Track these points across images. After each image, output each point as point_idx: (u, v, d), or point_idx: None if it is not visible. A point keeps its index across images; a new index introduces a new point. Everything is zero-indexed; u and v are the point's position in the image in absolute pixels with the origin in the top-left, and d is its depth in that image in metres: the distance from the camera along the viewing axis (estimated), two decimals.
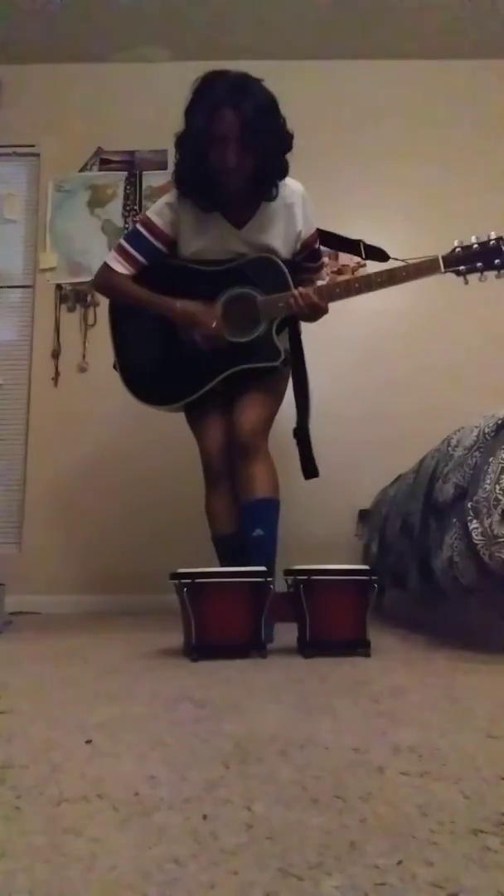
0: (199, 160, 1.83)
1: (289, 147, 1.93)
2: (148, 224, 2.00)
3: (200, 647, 1.39)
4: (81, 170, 3.48)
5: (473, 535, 1.43)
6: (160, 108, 3.59)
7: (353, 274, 3.38)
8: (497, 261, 1.91)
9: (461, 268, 1.94)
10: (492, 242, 1.91)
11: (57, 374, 3.28)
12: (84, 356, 3.28)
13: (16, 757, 0.72)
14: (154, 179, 3.46)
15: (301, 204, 1.98)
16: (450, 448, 1.75)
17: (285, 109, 3.66)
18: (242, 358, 1.93)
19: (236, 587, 1.44)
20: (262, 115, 1.79)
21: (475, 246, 1.93)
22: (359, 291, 1.94)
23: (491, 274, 1.92)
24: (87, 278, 3.34)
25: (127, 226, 3.40)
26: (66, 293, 3.35)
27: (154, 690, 1.08)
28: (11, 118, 3.50)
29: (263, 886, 0.42)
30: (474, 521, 1.44)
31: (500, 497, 1.41)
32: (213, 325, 1.88)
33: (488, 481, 1.45)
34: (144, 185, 3.46)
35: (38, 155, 3.51)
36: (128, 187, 3.45)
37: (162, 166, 3.47)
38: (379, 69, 3.56)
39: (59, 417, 3.24)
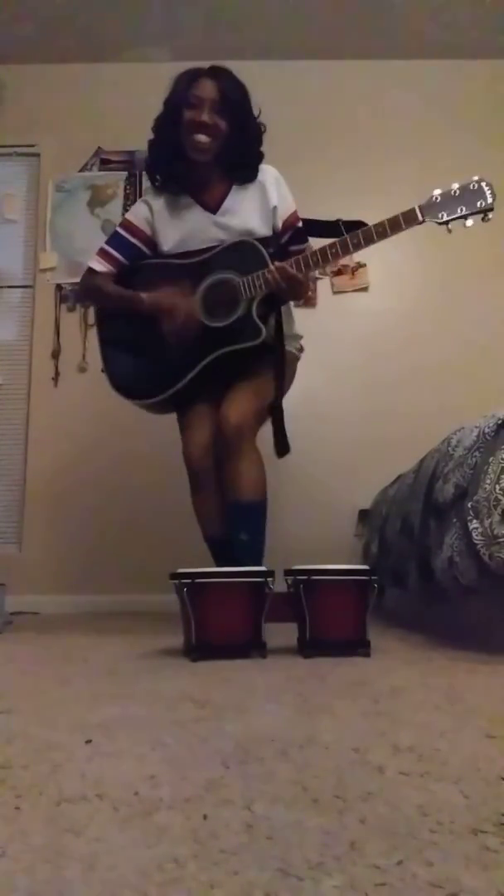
0: (173, 130, 1.92)
1: (260, 135, 1.98)
2: (125, 223, 2.06)
3: (200, 647, 1.39)
4: (81, 170, 3.48)
5: (473, 535, 1.43)
6: (160, 108, 3.61)
7: (353, 274, 3.39)
8: (480, 202, 1.77)
9: (442, 215, 1.81)
10: (473, 185, 1.78)
11: (57, 374, 3.28)
12: (84, 356, 3.28)
13: (16, 757, 0.72)
14: None
15: (274, 182, 2.00)
16: (450, 448, 1.75)
17: (285, 109, 3.65)
18: (225, 343, 1.90)
19: (236, 587, 1.43)
20: (237, 90, 1.92)
21: (455, 191, 1.80)
22: (336, 256, 1.87)
23: (477, 219, 1.79)
24: None
25: None
26: (66, 293, 3.35)
27: (154, 690, 1.08)
28: (11, 118, 3.51)
29: (263, 886, 0.42)
30: (474, 521, 1.44)
31: (500, 497, 1.41)
32: (183, 312, 1.89)
33: (488, 481, 1.45)
34: (144, 185, 3.45)
35: (38, 155, 3.51)
36: (128, 187, 3.45)
37: None
38: (379, 69, 3.57)
39: (59, 417, 3.24)
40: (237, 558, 1.80)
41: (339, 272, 3.38)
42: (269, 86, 3.60)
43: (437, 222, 1.83)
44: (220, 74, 1.92)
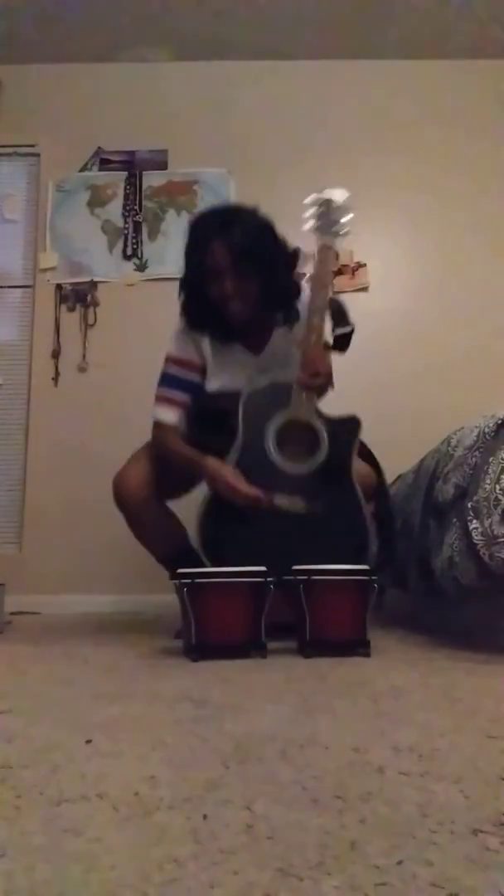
0: (202, 298, 1.78)
1: (293, 265, 1.82)
2: (175, 360, 1.89)
3: (200, 647, 1.39)
4: (81, 170, 3.47)
5: (473, 535, 1.44)
6: (160, 108, 3.61)
7: (353, 274, 3.38)
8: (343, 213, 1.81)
9: (336, 231, 1.81)
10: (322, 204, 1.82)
11: (57, 374, 3.28)
12: (84, 356, 3.28)
13: (16, 757, 0.72)
14: (154, 179, 3.47)
15: None
16: (450, 448, 1.75)
17: (285, 109, 3.65)
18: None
19: (236, 587, 1.43)
20: (252, 240, 1.71)
21: (320, 209, 1.81)
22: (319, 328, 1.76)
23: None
24: (87, 278, 3.35)
25: (126, 225, 3.40)
26: (66, 293, 3.35)
27: (154, 690, 1.08)
28: (11, 118, 3.50)
29: (263, 886, 0.42)
30: (474, 521, 1.44)
31: (500, 497, 1.41)
32: (244, 488, 1.64)
33: (488, 481, 1.45)
34: (144, 185, 3.46)
35: (38, 155, 3.50)
36: (128, 187, 3.45)
37: (162, 166, 3.47)
38: (379, 69, 3.57)
39: (59, 417, 3.24)
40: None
41: (339, 272, 3.38)
42: (269, 86, 3.62)
43: (339, 234, 1.82)
44: (231, 231, 1.70)
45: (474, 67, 3.57)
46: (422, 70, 3.57)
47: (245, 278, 1.73)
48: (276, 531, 1.52)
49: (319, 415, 1.75)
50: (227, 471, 1.68)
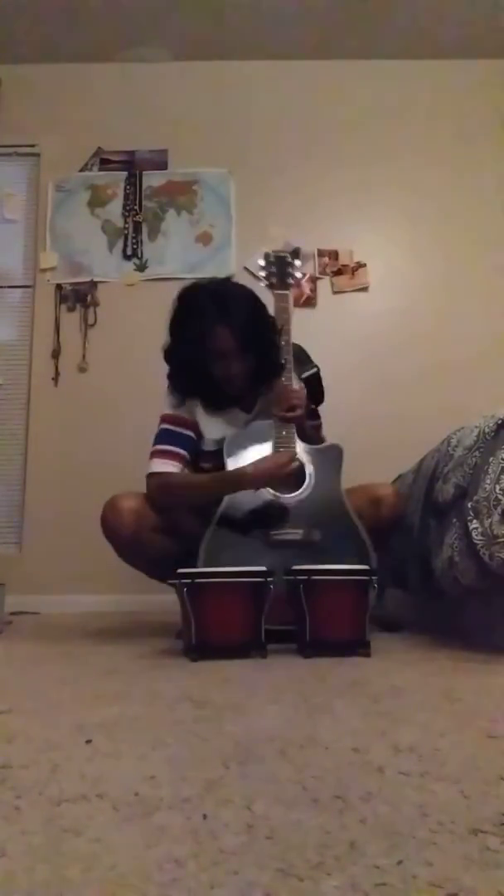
0: (199, 375, 1.83)
1: (275, 334, 1.87)
2: (169, 419, 1.90)
3: (200, 647, 1.39)
4: (81, 170, 3.48)
5: (473, 535, 1.44)
6: (160, 108, 3.62)
7: (353, 274, 3.39)
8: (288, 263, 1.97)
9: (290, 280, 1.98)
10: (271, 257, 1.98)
11: (57, 374, 3.28)
12: (84, 356, 3.28)
13: (16, 757, 0.72)
14: (154, 179, 3.47)
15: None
16: (450, 448, 1.75)
17: (285, 109, 3.66)
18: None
19: (236, 587, 1.43)
20: (250, 320, 1.80)
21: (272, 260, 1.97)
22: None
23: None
24: (87, 278, 3.35)
25: (126, 225, 3.40)
26: (66, 293, 3.35)
27: (154, 690, 1.08)
28: (11, 118, 3.51)
29: (263, 886, 0.42)
30: (474, 521, 1.44)
31: (500, 497, 1.41)
32: (289, 459, 1.71)
33: (488, 481, 1.45)
34: (144, 185, 3.46)
35: (38, 155, 3.51)
36: (128, 187, 3.45)
37: (162, 166, 3.47)
38: (379, 69, 3.57)
39: (59, 417, 3.25)
40: None
41: (338, 272, 3.38)
42: (268, 86, 3.62)
43: (291, 285, 1.96)
44: (229, 312, 1.77)
45: (475, 67, 3.57)
46: (422, 70, 3.58)
47: (247, 359, 1.81)
48: (278, 562, 1.54)
49: (301, 447, 1.80)
50: (265, 461, 1.70)
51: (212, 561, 1.61)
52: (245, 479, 1.68)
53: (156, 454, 1.86)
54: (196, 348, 1.79)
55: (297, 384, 1.86)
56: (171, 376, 1.90)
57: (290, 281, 1.96)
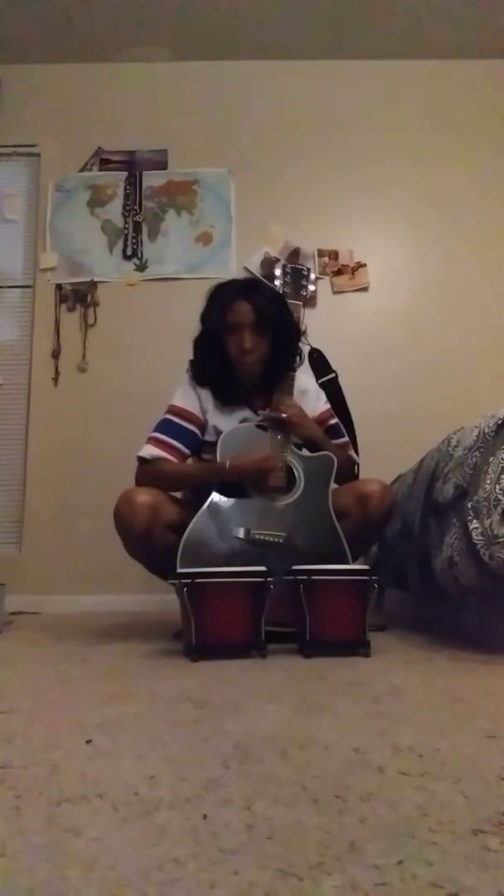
0: (217, 353, 1.89)
1: (298, 338, 1.98)
2: (176, 411, 1.93)
3: (200, 647, 1.39)
4: (81, 170, 3.47)
5: (473, 535, 1.44)
6: (160, 108, 3.61)
7: (353, 274, 3.38)
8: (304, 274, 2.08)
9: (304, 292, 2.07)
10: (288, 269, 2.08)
11: (57, 374, 3.28)
12: (84, 356, 3.28)
13: (16, 757, 0.72)
14: (154, 179, 3.47)
15: (314, 396, 2.05)
16: (450, 448, 1.75)
17: (285, 109, 3.67)
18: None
19: (236, 587, 1.44)
20: (272, 305, 1.90)
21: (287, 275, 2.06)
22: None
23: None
24: (87, 278, 3.35)
25: (127, 225, 3.40)
26: (66, 293, 3.35)
27: (154, 690, 1.08)
28: (11, 118, 3.50)
29: (263, 886, 0.42)
30: (474, 521, 1.44)
31: (500, 497, 1.41)
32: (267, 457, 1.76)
33: (488, 481, 1.45)
34: (144, 185, 3.46)
35: (38, 155, 3.51)
36: (128, 187, 3.45)
37: (162, 166, 3.47)
38: (379, 69, 3.57)
39: (59, 417, 3.24)
40: None
41: (338, 272, 3.38)
42: (269, 86, 3.62)
43: (305, 297, 2.06)
44: (253, 292, 1.89)
45: (475, 67, 3.57)
46: (421, 70, 3.57)
47: (262, 335, 1.87)
48: (256, 562, 1.54)
49: (294, 453, 1.83)
50: (242, 456, 1.76)
51: (189, 553, 1.65)
52: (224, 470, 1.76)
53: (151, 441, 1.90)
54: (216, 320, 1.88)
55: (312, 386, 1.97)
56: (192, 363, 1.96)
57: (304, 293, 2.05)
